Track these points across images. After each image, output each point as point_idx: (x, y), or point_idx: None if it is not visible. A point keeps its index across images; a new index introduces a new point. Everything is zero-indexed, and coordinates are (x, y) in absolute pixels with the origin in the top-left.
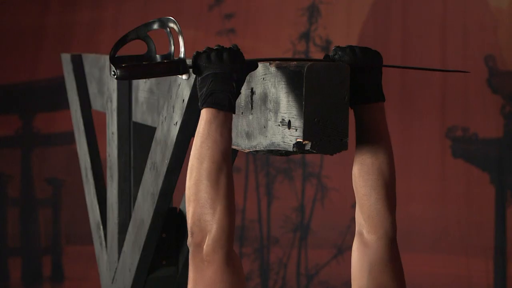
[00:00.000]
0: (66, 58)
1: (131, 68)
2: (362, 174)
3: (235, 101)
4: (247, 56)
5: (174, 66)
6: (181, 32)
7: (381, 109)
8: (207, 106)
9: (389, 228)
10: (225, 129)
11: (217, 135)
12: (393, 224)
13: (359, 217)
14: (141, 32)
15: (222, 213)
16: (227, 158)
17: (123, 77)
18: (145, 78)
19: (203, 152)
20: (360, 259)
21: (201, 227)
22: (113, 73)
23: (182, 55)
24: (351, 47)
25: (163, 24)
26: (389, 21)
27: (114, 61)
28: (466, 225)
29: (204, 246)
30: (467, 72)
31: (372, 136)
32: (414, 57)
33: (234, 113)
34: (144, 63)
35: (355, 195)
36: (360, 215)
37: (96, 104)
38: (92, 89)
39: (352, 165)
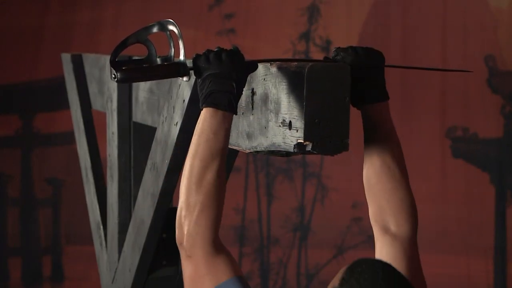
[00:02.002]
0: (66, 58)
1: (131, 71)
2: (384, 170)
3: (237, 102)
4: (247, 57)
5: (174, 68)
6: (181, 35)
7: (387, 107)
8: (206, 106)
9: (416, 217)
10: (220, 129)
11: (210, 134)
12: (417, 213)
13: (382, 214)
14: (141, 36)
15: (199, 210)
16: (217, 157)
17: (123, 80)
18: (145, 80)
19: (194, 149)
20: (394, 252)
21: (180, 223)
22: (113, 76)
23: (182, 57)
24: (353, 48)
25: (163, 27)
26: (389, 21)
27: (114, 64)
28: (466, 225)
29: (184, 243)
30: (470, 71)
31: (384, 134)
32: (414, 57)
33: (236, 113)
34: (144, 65)
35: (372, 194)
36: (383, 212)
37: (96, 104)
38: (92, 89)
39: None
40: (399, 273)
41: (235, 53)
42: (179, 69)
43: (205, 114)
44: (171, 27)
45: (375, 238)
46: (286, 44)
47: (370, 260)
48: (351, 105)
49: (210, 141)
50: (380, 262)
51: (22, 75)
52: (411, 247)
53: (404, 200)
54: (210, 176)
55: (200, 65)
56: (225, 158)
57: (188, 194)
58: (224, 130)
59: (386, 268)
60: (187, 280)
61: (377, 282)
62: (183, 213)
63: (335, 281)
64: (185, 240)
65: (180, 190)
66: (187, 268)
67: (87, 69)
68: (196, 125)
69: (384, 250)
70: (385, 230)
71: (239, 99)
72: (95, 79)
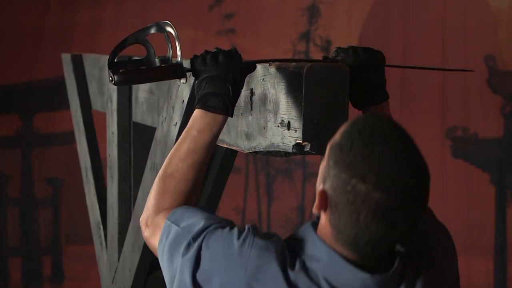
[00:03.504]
0: (66, 58)
1: (129, 73)
2: None
3: (233, 104)
4: (247, 57)
5: (171, 70)
6: (177, 36)
7: (387, 107)
8: (198, 107)
9: (433, 216)
10: (206, 129)
11: (194, 131)
12: None
13: None
14: (140, 37)
15: (165, 195)
16: (195, 153)
17: (121, 83)
18: (142, 83)
19: (177, 142)
20: None
21: (147, 205)
22: (110, 78)
23: (179, 59)
24: (353, 48)
25: (161, 28)
26: (389, 21)
27: (112, 66)
28: (466, 225)
29: (145, 220)
30: (471, 70)
31: None
32: (414, 57)
33: (231, 116)
34: (141, 68)
35: None
36: None
37: (96, 104)
38: (92, 89)
39: None
40: (404, 129)
41: (232, 55)
42: (176, 71)
43: (195, 114)
44: (168, 29)
45: None
46: (286, 44)
47: (376, 115)
48: (351, 106)
49: (192, 138)
50: (385, 117)
51: (22, 75)
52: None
53: None
54: (184, 167)
55: (197, 67)
56: (207, 157)
57: (159, 180)
58: (210, 130)
59: (392, 122)
60: (150, 242)
61: (382, 134)
62: (151, 196)
63: (336, 134)
64: (146, 218)
65: (156, 177)
66: (150, 240)
67: (87, 69)
68: (188, 124)
69: None
70: None
71: (236, 101)
72: (95, 79)
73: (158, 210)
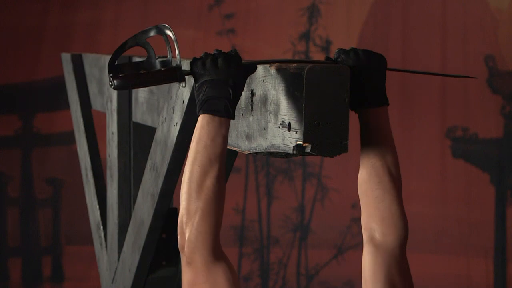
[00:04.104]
0: (66, 58)
1: (128, 78)
2: (372, 177)
3: (234, 106)
4: (247, 57)
5: (170, 74)
6: (176, 39)
7: (386, 112)
8: (203, 113)
9: (404, 228)
10: (218, 135)
11: (208, 140)
12: (406, 224)
13: (370, 222)
14: (140, 39)
15: (199, 216)
16: (215, 163)
17: (120, 87)
18: (142, 87)
19: (193, 155)
20: (375, 263)
21: (182, 230)
22: (110, 83)
23: (178, 62)
24: (355, 50)
25: (160, 31)
26: (389, 21)
27: (112, 70)
28: (466, 225)
29: (185, 249)
30: (474, 77)
31: (379, 140)
32: (414, 57)
33: (233, 118)
34: (141, 72)
35: (363, 200)
36: (371, 219)
37: (96, 104)
38: (92, 89)
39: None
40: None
41: (232, 57)
42: (175, 75)
43: (202, 121)
44: (167, 32)
45: (363, 242)
46: (286, 44)
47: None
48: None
49: (208, 148)
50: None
51: (22, 75)
52: (394, 258)
53: (392, 209)
54: (209, 182)
55: (196, 70)
56: (224, 163)
57: (189, 200)
58: (221, 136)
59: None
60: (186, 286)
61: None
62: (184, 219)
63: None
64: (186, 246)
65: (180, 196)
66: (187, 274)
67: (87, 69)
68: (194, 131)
69: (366, 258)
70: (371, 238)
71: (237, 104)
72: (95, 79)
73: (196, 238)
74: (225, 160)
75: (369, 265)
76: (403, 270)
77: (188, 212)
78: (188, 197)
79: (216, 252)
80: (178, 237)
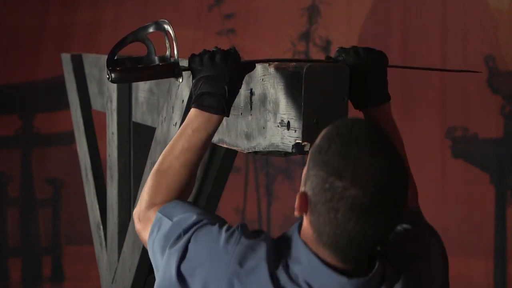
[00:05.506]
0: (66, 58)
1: (126, 71)
2: None
3: (229, 104)
4: (246, 57)
5: (168, 69)
6: (175, 35)
7: (389, 108)
8: (194, 107)
9: (421, 219)
10: (201, 129)
11: (189, 130)
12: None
13: None
14: (140, 35)
15: (157, 191)
16: (189, 152)
17: (118, 80)
18: (139, 81)
19: (173, 140)
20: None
21: (140, 200)
22: (107, 75)
23: (176, 58)
24: (355, 49)
25: (160, 27)
26: (389, 21)
27: (111, 64)
28: (466, 225)
29: (137, 214)
30: (479, 72)
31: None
32: (414, 57)
33: (227, 115)
34: (139, 66)
35: None
36: None
37: (96, 104)
38: (92, 89)
39: None
40: (382, 131)
41: (230, 55)
42: (173, 70)
43: (191, 113)
44: (166, 27)
45: None
46: (286, 44)
47: (355, 118)
48: (351, 106)
49: (187, 136)
50: (363, 120)
51: (22, 75)
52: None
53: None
54: (176, 165)
55: (193, 66)
56: (200, 156)
57: (153, 175)
58: (205, 130)
59: (369, 124)
60: (142, 233)
61: (359, 134)
62: (144, 192)
63: (317, 139)
64: (140, 211)
65: (150, 173)
66: (142, 233)
67: (87, 69)
68: (183, 122)
69: None
70: None
71: (233, 101)
72: (95, 79)
73: (150, 204)
74: (202, 153)
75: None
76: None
77: (150, 187)
78: (154, 173)
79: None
80: (136, 207)
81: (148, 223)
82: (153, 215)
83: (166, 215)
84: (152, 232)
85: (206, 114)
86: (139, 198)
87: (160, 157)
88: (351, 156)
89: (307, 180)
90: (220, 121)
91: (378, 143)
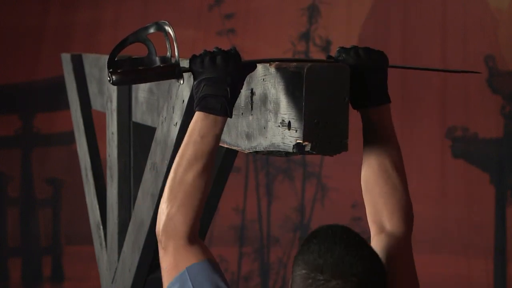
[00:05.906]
0: (66, 58)
1: (127, 73)
2: (381, 174)
3: (232, 105)
4: (247, 57)
5: (169, 71)
6: (175, 36)
7: (388, 110)
8: (198, 110)
9: (412, 218)
10: (209, 133)
11: (198, 137)
12: (413, 215)
13: (378, 216)
14: (140, 35)
15: (176, 208)
16: (201, 159)
17: (118, 82)
18: (140, 83)
19: (182, 149)
20: (385, 249)
21: (159, 217)
22: (108, 78)
23: (176, 59)
24: (355, 49)
25: (160, 27)
26: (389, 21)
27: (111, 65)
28: (466, 225)
29: (160, 236)
30: (478, 72)
31: (384, 137)
32: (414, 57)
33: (230, 117)
34: (139, 68)
35: (370, 197)
36: (380, 213)
37: (96, 104)
38: (92, 89)
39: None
40: (355, 233)
41: (230, 56)
42: (173, 72)
43: (196, 117)
44: (167, 28)
45: (371, 236)
46: (286, 44)
47: (332, 225)
48: (351, 107)
49: (196, 144)
50: (339, 225)
51: (22, 75)
52: (405, 246)
53: (401, 202)
54: (190, 176)
55: (194, 68)
56: (211, 161)
57: (169, 190)
58: (213, 134)
59: (344, 228)
60: (164, 273)
61: (335, 236)
62: (163, 206)
63: (299, 247)
64: (161, 235)
65: (166, 185)
66: (163, 261)
67: (87, 69)
68: (189, 126)
69: (378, 247)
70: (381, 229)
71: (235, 102)
72: (95, 79)
73: (171, 227)
74: (214, 157)
75: (382, 252)
76: (411, 257)
77: (166, 201)
78: (169, 187)
79: (190, 239)
80: (156, 224)
81: (169, 257)
82: (173, 249)
83: (192, 279)
84: (173, 285)
85: (212, 116)
86: (158, 216)
87: (172, 170)
88: (329, 255)
89: (293, 282)
90: (224, 123)
91: (353, 240)
